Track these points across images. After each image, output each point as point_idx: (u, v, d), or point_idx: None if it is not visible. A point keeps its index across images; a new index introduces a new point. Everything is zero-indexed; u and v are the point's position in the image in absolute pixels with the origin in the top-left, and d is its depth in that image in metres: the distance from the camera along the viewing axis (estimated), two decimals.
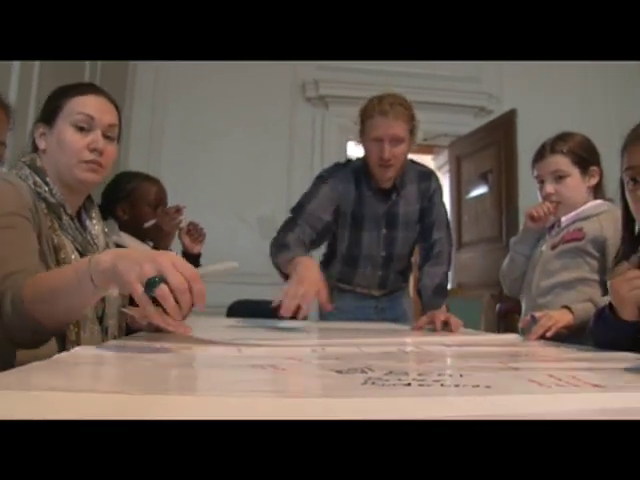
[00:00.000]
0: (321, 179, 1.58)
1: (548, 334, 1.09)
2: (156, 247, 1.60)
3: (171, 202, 1.69)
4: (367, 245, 1.63)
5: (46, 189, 0.93)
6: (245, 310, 2.31)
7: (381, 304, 1.73)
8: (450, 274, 1.68)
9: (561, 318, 1.11)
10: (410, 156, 1.62)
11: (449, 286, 1.69)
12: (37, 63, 2.02)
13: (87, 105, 0.96)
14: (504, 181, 3.08)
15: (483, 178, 3.30)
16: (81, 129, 0.95)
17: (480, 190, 3.35)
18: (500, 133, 3.12)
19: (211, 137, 3.40)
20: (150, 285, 0.63)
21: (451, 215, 3.51)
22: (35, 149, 0.99)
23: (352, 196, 1.58)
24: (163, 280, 0.63)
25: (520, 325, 1.30)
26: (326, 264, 1.74)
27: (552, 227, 1.44)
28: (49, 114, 0.97)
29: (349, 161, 1.67)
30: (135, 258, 0.65)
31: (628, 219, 0.97)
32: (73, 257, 0.94)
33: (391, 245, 1.65)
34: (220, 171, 3.38)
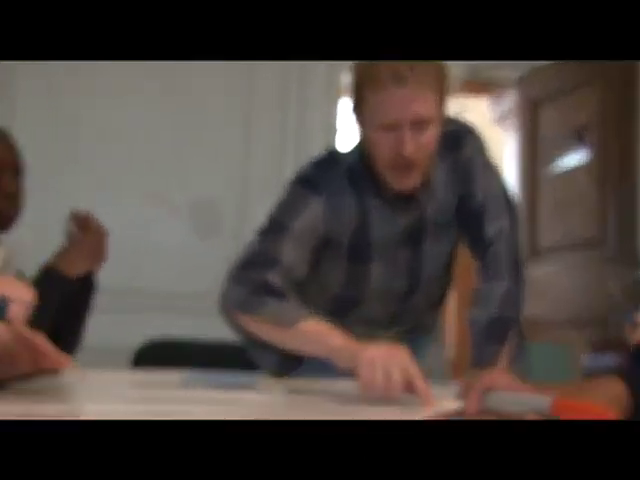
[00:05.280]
0: (309, 186, 1.62)
1: None
2: None
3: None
4: (378, 280, 1.68)
5: None
6: (165, 357, 2.32)
7: None
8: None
9: None
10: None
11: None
12: None
13: None
14: (614, 144, 3.11)
15: (576, 138, 3.35)
16: None
17: (570, 159, 3.43)
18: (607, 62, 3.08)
19: (119, 83, 3.41)
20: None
21: (520, 200, 3.55)
22: None
23: (352, 217, 1.62)
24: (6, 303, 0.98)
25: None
26: None
27: None
28: None
29: (336, 155, 1.71)
30: None
31: None
32: None
33: (416, 270, 1.69)
34: (131, 133, 3.39)
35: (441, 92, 1.52)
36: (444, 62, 1.55)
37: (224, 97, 3.53)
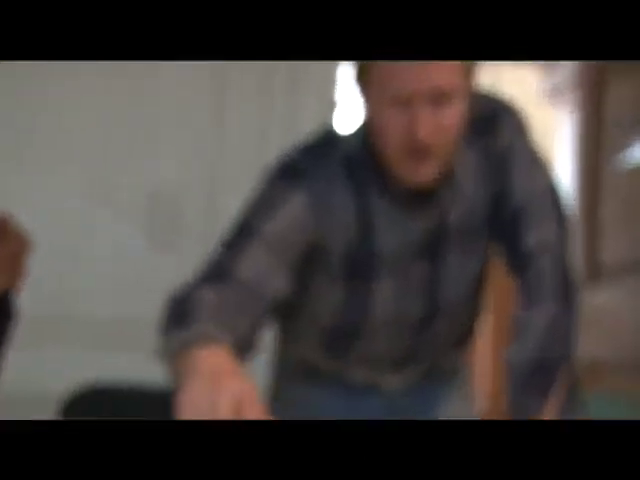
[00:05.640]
0: (291, 177, 1.65)
1: None
2: None
3: None
4: (384, 304, 1.70)
5: None
6: (105, 406, 2.35)
7: (398, 402, 1.80)
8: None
9: None
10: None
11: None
12: None
13: None
14: None
15: None
16: None
17: None
18: None
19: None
20: None
21: (576, 202, 3.67)
22: None
23: (350, 220, 1.65)
24: None
25: None
26: (283, 349, 1.91)
27: None
28: None
29: (331, 138, 1.74)
30: None
31: None
32: None
33: (436, 291, 1.71)
34: (67, 111, 3.41)
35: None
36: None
37: (197, 67, 3.40)
